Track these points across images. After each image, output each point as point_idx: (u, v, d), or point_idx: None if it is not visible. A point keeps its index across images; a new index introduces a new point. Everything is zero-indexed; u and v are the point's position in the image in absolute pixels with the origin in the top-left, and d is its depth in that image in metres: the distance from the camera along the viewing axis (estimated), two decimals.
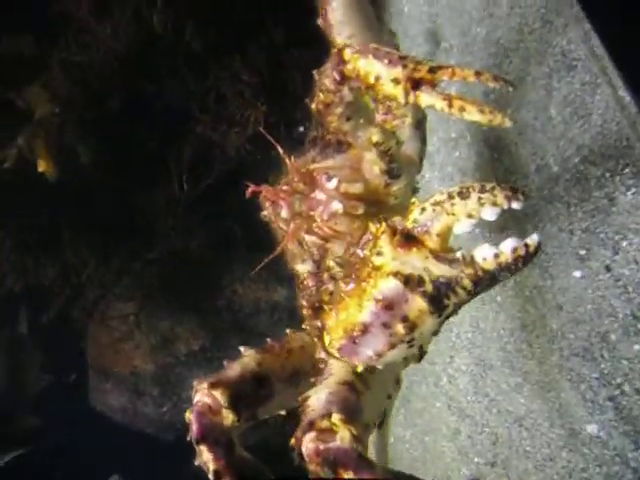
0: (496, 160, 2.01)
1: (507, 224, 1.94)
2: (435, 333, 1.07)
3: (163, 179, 3.08)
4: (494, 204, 0.99)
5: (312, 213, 1.33)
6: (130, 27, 2.50)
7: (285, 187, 1.36)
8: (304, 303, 1.32)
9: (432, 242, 1.00)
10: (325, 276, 1.34)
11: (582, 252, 1.64)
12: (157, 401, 3.86)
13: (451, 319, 2.27)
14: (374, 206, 1.34)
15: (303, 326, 1.40)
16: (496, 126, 1.11)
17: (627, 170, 1.52)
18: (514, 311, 1.95)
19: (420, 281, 0.97)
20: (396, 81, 1.17)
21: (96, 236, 3.17)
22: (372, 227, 1.06)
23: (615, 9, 1.63)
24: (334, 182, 1.32)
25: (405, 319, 0.98)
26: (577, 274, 1.67)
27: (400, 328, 0.98)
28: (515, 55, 1.90)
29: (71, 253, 3.23)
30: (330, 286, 1.29)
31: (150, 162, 3.07)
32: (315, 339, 1.25)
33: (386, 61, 1.20)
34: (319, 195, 1.32)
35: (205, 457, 1.21)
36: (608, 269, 1.56)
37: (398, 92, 1.17)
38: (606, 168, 1.58)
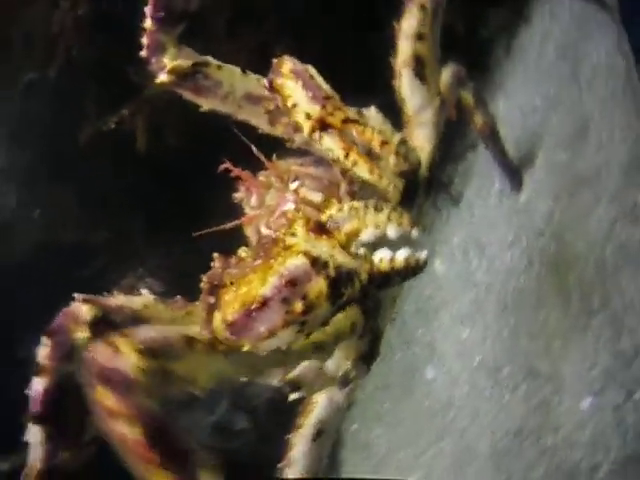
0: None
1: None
2: (323, 324, 1.11)
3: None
4: (399, 224, 1.13)
5: (279, 208, 1.36)
6: None
7: (262, 178, 1.42)
8: (204, 279, 1.27)
9: (340, 237, 1.09)
10: (233, 260, 1.34)
11: (597, 387, 1.78)
12: None
13: (454, 401, 2.40)
14: None
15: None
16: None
17: None
18: (516, 414, 2.08)
19: (325, 264, 1.03)
20: (308, 116, 1.25)
21: (153, 217, 3.35)
22: (288, 213, 1.16)
23: None
24: (295, 184, 1.37)
25: (305, 297, 1.01)
26: (585, 404, 1.80)
27: (299, 305, 1.01)
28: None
29: (122, 221, 3.42)
30: (234, 270, 1.25)
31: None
32: (203, 314, 1.20)
33: (310, 94, 1.27)
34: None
35: (42, 352, 1.23)
36: (617, 409, 1.70)
37: (306, 126, 1.25)
38: None
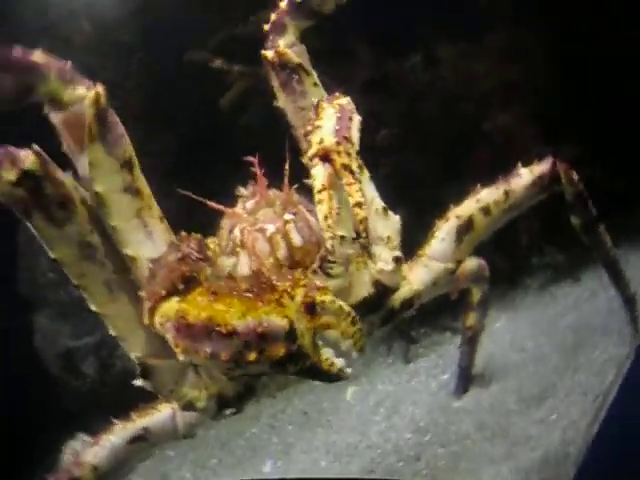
0: None
1: None
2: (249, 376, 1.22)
3: None
4: (354, 344, 1.19)
5: (261, 224, 1.42)
6: None
7: (271, 193, 1.48)
8: (180, 252, 1.27)
9: (316, 323, 1.12)
10: (207, 249, 1.37)
11: None
12: None
13: None
14: (294, 267, 1.37)
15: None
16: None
17: None
18: None
19: (294, 338, 1.07)
20: (321, 141, 1.31)
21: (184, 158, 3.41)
22: (297, 274, 1.18)
23: None
24: (288, 217, 1.42)
25: (262, 352, 1.05)
26: None
27: (252, 355, 1.05)
28: None
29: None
30: (208, 270, 1.27)
31: None
32: (159, 289, 1.19)
33: (337, 128, 1.33)
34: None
35: None
36: None
37: (313, 147, 1.31)
38: None
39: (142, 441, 1.53)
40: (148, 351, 1.43)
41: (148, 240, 1.39)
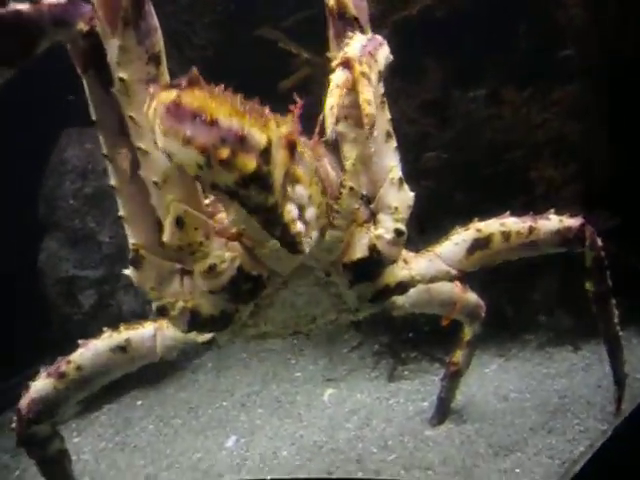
0: None
1: None
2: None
3: None
4: (318, 218, 1.29)
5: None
6: None
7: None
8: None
9: (292, 169, 1.16)
10: None
11: None
12: None
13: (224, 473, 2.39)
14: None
15: None
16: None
17: None
18: None
19: (267, 159, 1.08)
20: (345, 53, 1.39)
21: None
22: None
23: None
24: (310, 165, 1.34)
25: (234, 154, 1.04)
26: None
27: (225, 152, 1.04)
28: None
29: None
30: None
31: None
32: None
33: (365, 47, 1.42)
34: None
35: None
36: None
37: (339, 57, 1.39)
38: None
39: (122, 352, 1.64)
40: (145, 242, 1.45)
41: None
